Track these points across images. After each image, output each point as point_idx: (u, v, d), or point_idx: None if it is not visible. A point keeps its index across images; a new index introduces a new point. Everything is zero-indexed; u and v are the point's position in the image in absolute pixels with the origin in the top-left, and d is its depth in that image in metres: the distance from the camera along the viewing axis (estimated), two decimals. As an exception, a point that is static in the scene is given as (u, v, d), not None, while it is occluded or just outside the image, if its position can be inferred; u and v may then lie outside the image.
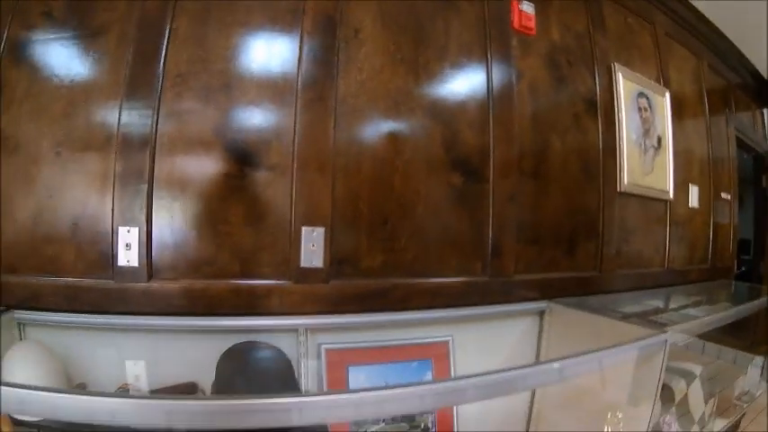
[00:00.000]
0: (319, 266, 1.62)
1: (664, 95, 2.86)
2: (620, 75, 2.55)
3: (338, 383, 1.65)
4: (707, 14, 3.33)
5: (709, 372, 2.57)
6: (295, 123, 1.63)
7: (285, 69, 1.66)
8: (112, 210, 1.51)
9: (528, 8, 2.20)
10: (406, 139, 1.78)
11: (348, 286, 1.66)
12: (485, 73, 2.00)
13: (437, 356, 1.80)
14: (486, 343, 1.96)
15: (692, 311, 2.46)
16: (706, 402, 2.43)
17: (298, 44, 1.68)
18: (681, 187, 2.94)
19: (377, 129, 1.75)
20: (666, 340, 1.65)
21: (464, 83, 1.95)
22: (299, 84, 1.66)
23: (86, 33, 1.58)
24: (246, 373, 1.51)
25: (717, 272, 3.38)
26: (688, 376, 2.36)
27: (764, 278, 4.22)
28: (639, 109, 2.65)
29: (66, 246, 1.51)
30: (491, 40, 2.03)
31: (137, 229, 1.51)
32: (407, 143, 1.78)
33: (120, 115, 1.54)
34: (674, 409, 2.22)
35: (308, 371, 1.66)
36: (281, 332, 1.62)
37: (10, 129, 1.52)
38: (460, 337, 1.87)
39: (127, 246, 1.50)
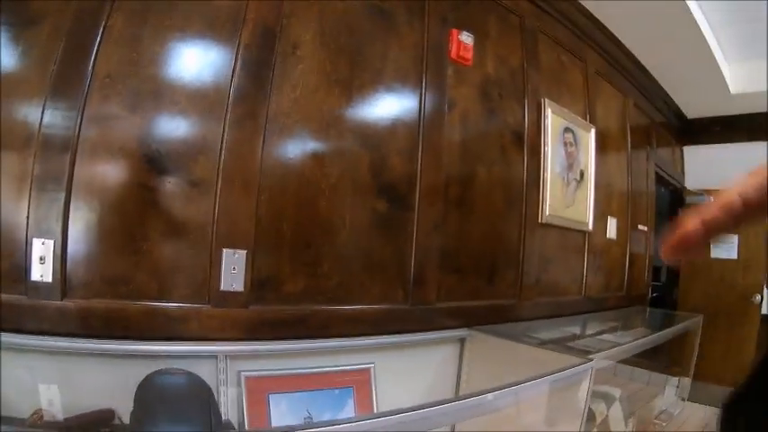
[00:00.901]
0: (239, 290, 1.55)
1: (589, 131, 2.98)
2: (550, 110, 2.63)
3: (259, 412, 1.58)
4: (636, 54, 3.49)
5: (627, 392, 2.69)
6: (223, 138, 1.56)
7: (218, 81, 1.59)
8: (27, 218, 1.37)
9: (467, 39, 2.23)
10: (333, 161, 1.75)
11: (268, 312, 1.61)
12: (418, 100, 2.01)
13: (359, 384, 1.77)
14: (408, 369, 1.95)
15: (608, 337, 2.58)
16: (626, 422, 2.54)
17: (233, 55, 1.61)
18: (600, 219, 3.06)
19: (305, 149, 1.71)
20: (592, 367, 1.72)
21: (396, 108, 1.95)
22: (231, 97, 1.59)
23: (19, 21, 1.44)
24: (165, 402, 1.42)
25: (632, 299, 3.56)
26: (608, 398, 2.46)
27: (677, 304, 4.48)
28: (565, 143, 2.74)
29: None
30: (427, 67, 2.05)
31: (52, 241, 1.38)
32: (335, 166, 1.75)
33: (42, 114, 1.40)
34: (595, 430, 2.31)
35: (228, 399, 1.58)
36: (199, 358, 1.53)
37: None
38: (382, 364, 1.85)
39: (41, 259, 1.37)
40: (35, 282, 1.36)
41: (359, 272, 1.80)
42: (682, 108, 4.40)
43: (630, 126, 3.56)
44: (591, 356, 1.77)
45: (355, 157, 1.80)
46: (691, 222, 0.32)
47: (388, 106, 1.93)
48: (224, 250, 1.54)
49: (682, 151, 4.70)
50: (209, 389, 1.44)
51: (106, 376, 1.44)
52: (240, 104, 1.60)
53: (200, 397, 1.42)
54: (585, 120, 2.98)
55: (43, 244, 1.37)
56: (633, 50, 3.46)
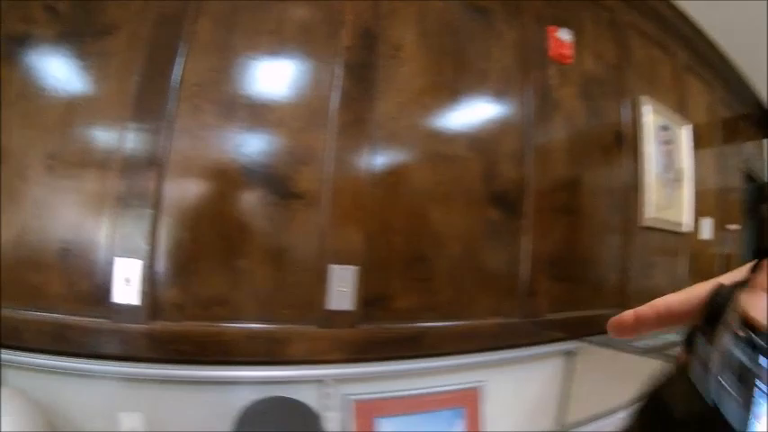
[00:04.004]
0: (348, 309, 1.34)
1: (684, 128, 2.63)
2: (647, 107, 2.31)
3: (366, 438, 1.38)
4: (721, 45, 3.10)
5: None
6: (329, 147, 1.36)
7: (320, 86, 1.38)
8: (110, 237, 1.19)
9: (565, 36, 1.95)
10: (444, 168, 1.51)
11: (378, 331, 1.39)
12: (523, 101, 1.74)
13: (469, 404, 1.54)
14: (516, 386, 1.70)
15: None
16: None
17: (335, 59, 1.41)
18: (695, 219, 2.71)
19: (415, 156, 1.48)
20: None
21: (503, 110, 1.69)
22: (335, 102, 1.38)
23: (93, 31, 1.27)
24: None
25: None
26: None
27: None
28: (662, 142, 2.41)
29: (54, 274, 1.18)
30: (530, 66, 1.78)
31: (138, 261, 1.19)
32: (446, 173, 1.51)
33: (126, 126, 1.23)
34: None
35: (333, 424, 1.37)
36: (304, 383, 1.33)
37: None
38: (491, 381, 1.61)
39: (126, 280, 1.19)
40: (119, 304, 1.18)
41: (471, 285, 1.55)
42: (765, 100, 3.91)
43: (719, 121, 3.16)
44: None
45: (466, 163, 1.55)
46: (627, 314, 0.34)
47: (495, 108, 1.67)
48: (332, 266, 1.33)
49: (765, 145, 4.20)
50: (318, 417, 1.23)
51: (199, 405, 1.26)
52: (346, 110, 1.39)
53: (308, 427, 1.21)
54: (679, 116, 2.63)
55: (128, 264, 1.19)
56: (718, 41, 3.05)
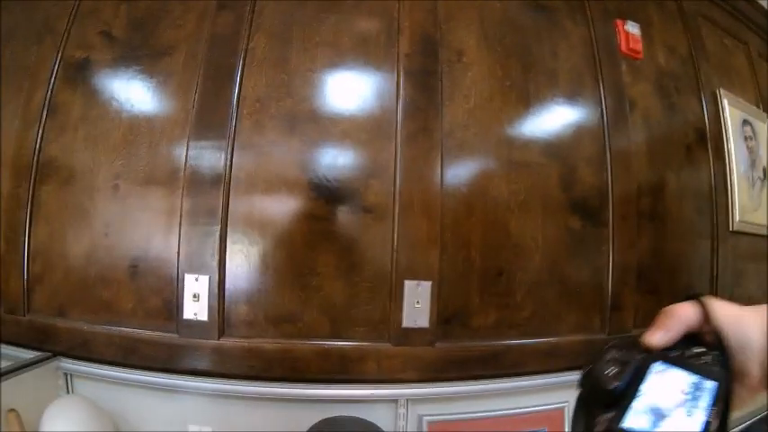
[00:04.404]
0: (424, 326, 1.27)
1: (765, 121, 2.42)
2: (726, 101, 2.13)
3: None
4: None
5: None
6: (396, 158, 1.30)
7: (382, 96, 1.35)
8: (178, 253, 1.21)
9: (634, 29, 1.82)
10: (520, 176, 1.40)
11: (456, 349, 1.30)
12: (598, 101, 1.61)
13: (552, 425, 1.42)
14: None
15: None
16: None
17: (395, 67, 1.36)
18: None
19: (489, 165, 1.39)
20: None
21: (578, 112, 1.57)
22: (400, 112, 1.33)
23: (150, 53, 1.32)
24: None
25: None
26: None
27: None
28: (745, 138, 2.22)
29: (124, 290, 1.23)
30: (601, 64, 1.66)
31: (206, 277, 1.20)
32: (522, 181, 1.40)
33: (188, 144, 1.25)
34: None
35: None
36: (376, 402, 1.28)
37: (63, 157, 1.28)
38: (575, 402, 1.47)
39: (194, 296, 1.20)
40: (188, 320, 1.21)
41: (554, 300, 1.43)
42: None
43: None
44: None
45: (542, 169, 1.44)
46: None
47: (568, 110, 1.56)
48: (406, 282, 1.26)
49: None
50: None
51: (268, 421, 1.24)
52: (411, 119, 1.33)
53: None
54: (759, 108, 2.42)
55: (197, 280, 1.21)
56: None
